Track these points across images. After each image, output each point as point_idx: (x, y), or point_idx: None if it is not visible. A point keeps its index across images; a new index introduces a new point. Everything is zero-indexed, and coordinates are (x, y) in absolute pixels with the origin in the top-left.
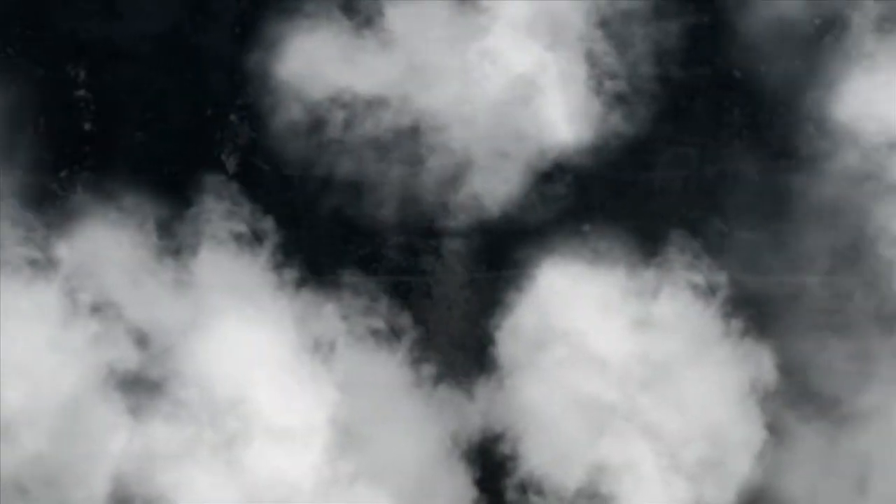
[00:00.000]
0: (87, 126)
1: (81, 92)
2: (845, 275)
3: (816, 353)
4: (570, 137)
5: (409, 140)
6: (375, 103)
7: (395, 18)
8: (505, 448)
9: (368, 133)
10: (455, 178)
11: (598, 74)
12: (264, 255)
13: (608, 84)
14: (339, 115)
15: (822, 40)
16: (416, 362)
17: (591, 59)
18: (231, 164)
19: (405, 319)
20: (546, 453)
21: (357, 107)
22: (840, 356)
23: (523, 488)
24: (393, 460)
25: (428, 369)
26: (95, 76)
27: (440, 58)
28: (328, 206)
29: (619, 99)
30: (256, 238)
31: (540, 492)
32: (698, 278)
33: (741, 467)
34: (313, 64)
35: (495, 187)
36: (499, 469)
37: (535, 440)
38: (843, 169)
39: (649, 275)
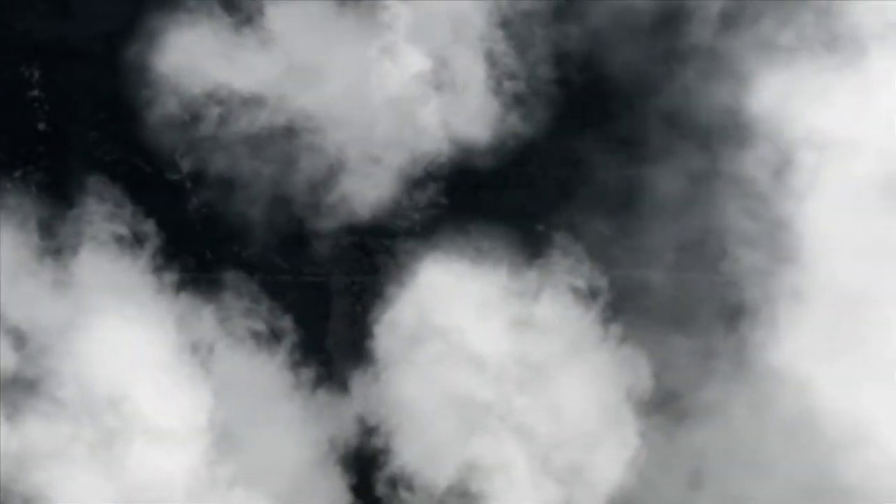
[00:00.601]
0: (41, 126)
1: (35, 92)
2: (691, 270)
3: (658, 347)
4: (468, 136)
5: (284, 139)
6: (252, 101)
7: (276, 18)
8: (378, 442)
9: (243, 130)
10: (327, 179)
11: (497, 75)
12: (145, 257)
13: (507, 85)
14: (214, 112)
15: (669, 33)
16: (295, 365)
17: (491, 59)
18: (109, 161)
19: (286, 322)
20: (418, 449)
21: (233, 104)
22: (681, 351)
23: (393, 483)
24: (270, 464)
25: (307, 373)
26: (49, 76)
27: (319, 58)
28: (200, 203)
29: (518, 100)
30: (137, 240)
31: (410, 487)
32: (580, 282)
33: (612, 473)
34: (192, 58)
35: (366, 191)
36: (372, 468)
37: (408, 435)
38: (691, 164)
39: (531, 276)
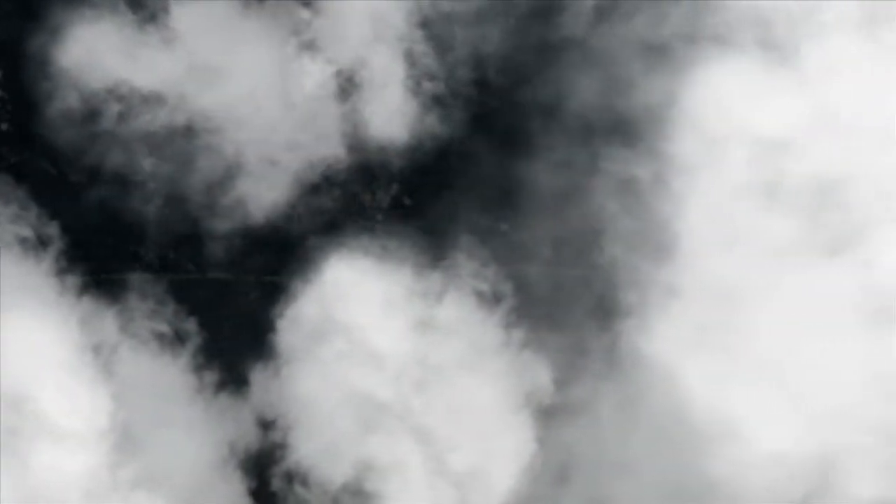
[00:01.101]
0: (3, 126)
1: None
2: (567, 267)
3: (530, 342)
4: (386, 136)
5: (182, 139)
6: (152, 99)
7: (180, 17)
8: (275, 437)
9: (142, 128)
10: (224, 180)
11: (416, 75)
12: (49, 259)
13: (426, 85)
14: (114, 108)
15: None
16: (198, 368)
17: (411, 59)
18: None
19: (190, 324)
20: (315, 445)
21: (133, 101)
22: (553, 348)
23: (289, 478)
24: (171, 467)
25: (210, 376)
26: (12, 77)
27: (222, 59)
28: (97, 200)
29: (437, 100)
30: (41, 242)
31: (306, 483)
32: (484, 286)
33: (508, 478)
34: (94, 54)
35: (262, 193)
36: (271, 468)
37: (306, 431)
38: (572, 159)
39: (436, 277)
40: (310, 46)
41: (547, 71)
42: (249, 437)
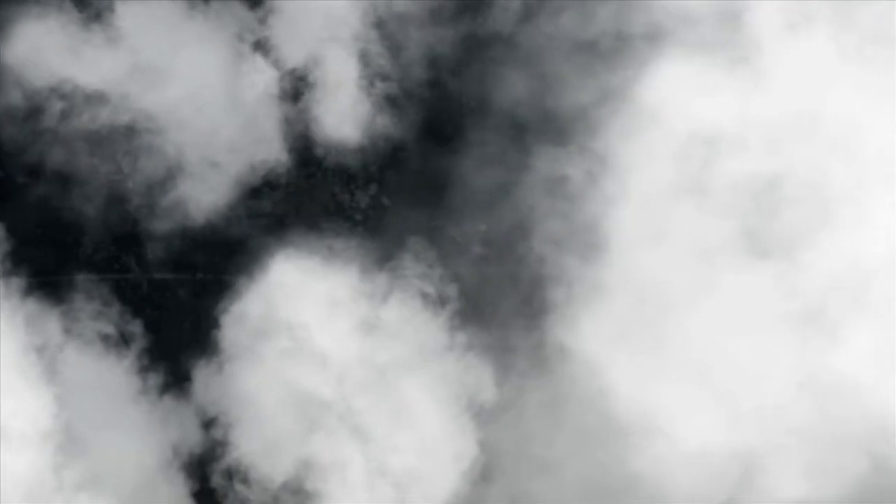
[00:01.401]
0: None
1: None
2: (495, 265)
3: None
4: (338, 135)
5: (124, 138)
6: (95, 98)
7: (126, 16)
8: (217, 433)
9: (84, 126)
10: (164, 181)
11: (370, 75)
12: None
13: (380, 86)
14: (57, 106)
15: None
16: (143, 370)
17: (365, 59)
18: None
19: (136, 325)
20: (257, 443)
21: (76, 99)
22: (478, 347)
23: (229, 475)
24: (115, 469)
25: (155, 377)
26: None
27: (166, 60)
28: (37, 199)
29: (390, 101)
30: None
31: (246, 481)
32: (430, 288)
33: (448, 481)
34: (38, 51)
35: (202, 195)
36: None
37: (247, 428)
38: (503, 157)
39: (382, 278)
40: (259, 47)
41: (475, 67)
42: (193, 438)
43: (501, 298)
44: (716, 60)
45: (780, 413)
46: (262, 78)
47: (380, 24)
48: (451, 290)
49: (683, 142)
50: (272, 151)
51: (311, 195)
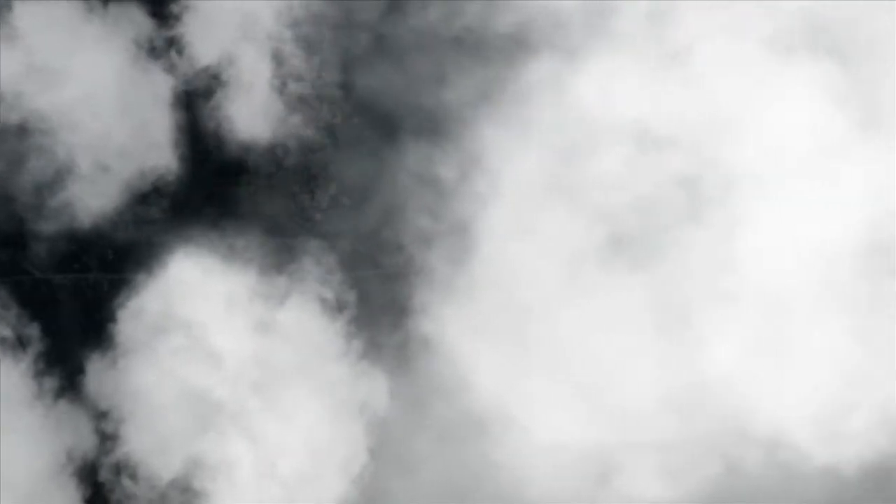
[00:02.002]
0: None
1: None
2: (363, 266)
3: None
4: (248, 135)
5: (15, 138)
6: None
7: (23, 15)
8: (107, 427)
9: None
10: (53, 182)
11: (283, 75)
12: None
13: (292, 86)
14: None
15: None
16: (39, 374)
17: (278, 59)
18: None
19: (33, 329)
20: (147, 439)
21: None
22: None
23: (118, 470)
24: (7, 474)
25: (50, 382)
26: None
27: (62, 60)
28: None
29: (302, 101)
30: None
31: (134, 476)
32: (328, 293)
33: (338, 486)
34: None
35: (91, 199)
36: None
37: (138, 424)
38: (376, 154)
39: (281, 281)
40: (171, 44)
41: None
42: (87, 443)
43: (368, 295)
44: (588, 59)
45: (639, 412)
46: (158, 83)
47: (295, 25)
48: (350, 296)
49: (557, 142)
50: (163, 157)
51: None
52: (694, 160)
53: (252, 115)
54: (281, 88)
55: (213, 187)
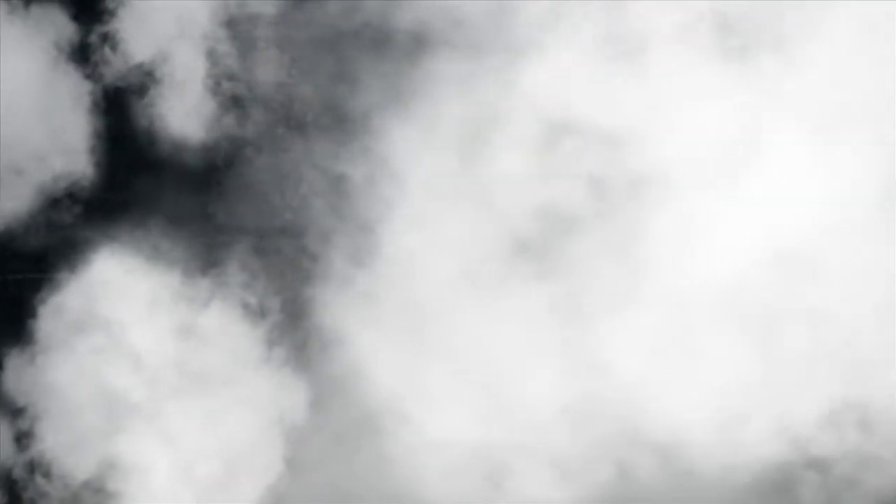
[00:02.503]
0: None
1: None
2: (264, 259)
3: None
4: (180, 134)
5: None
6: None
7: None
8: (23, 424)
9: None
10: None
11: (217, 74)
12: None
13: (226, 85)
14: None
15: None
16: None
17: (212, 58)
18: None
19: None
20: (62, 438)
21: None
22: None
23: (32, 468)
24: None
25: None
26: None
27: None
28: None
29: (235, 101)
30: None
31: (48, 475)
32: (252, 298)
33: (252, 494)
34: None
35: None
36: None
37: (54, 422)
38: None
39: (205, 284)
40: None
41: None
42: (2, 441)
43: (269, 294)
44: (493, 60)
45: (535, 414)
46: (78, 86)
47: (230, 23)
48: (274, 303)
49: (463, 142)
50: (79, 162)
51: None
52: (603, 161)
53: (185, 113)
54: (214, 88)
55: (141, 186)
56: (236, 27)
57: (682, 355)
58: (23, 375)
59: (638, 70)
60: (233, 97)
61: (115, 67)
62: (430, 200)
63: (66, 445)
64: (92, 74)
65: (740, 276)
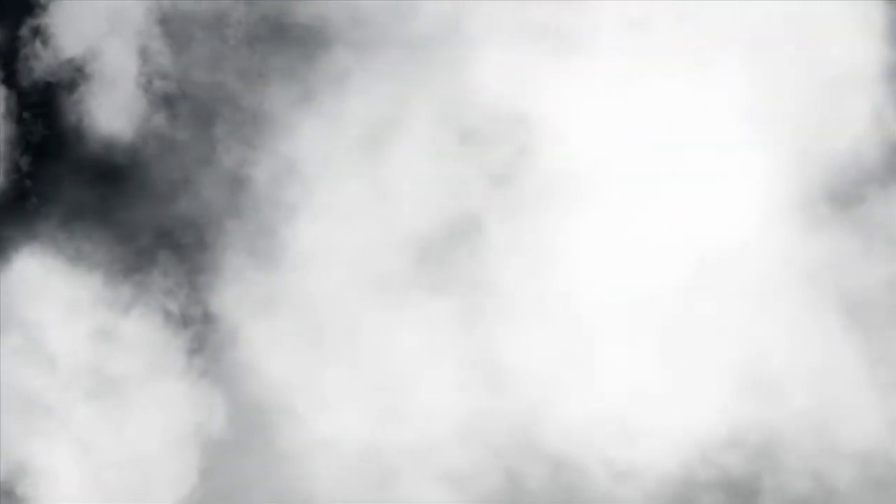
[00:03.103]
0: None
1: None
2: (168, 263)
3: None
4: (109, 131)
5: None
6: None
7: None
8: None
9: None
10: None
11: (149, 72)
12: None
13: (158, 84)
14: None
15: None
16: None
17: (145, 55)
18: None
19: None
20: None
21: None
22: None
23: None
24: None
25: None
26: None
27: None
28: None
29: (167, 100)
30: None
31: None
32: (174, 306)
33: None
34: None
35: None
36: None
37: None
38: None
39: (126, 289)
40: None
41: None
42: None
43: (192, 303)
44: (406, 61)
45: (428, 419)
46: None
47: (164, 21)
48: (196, 312)
49: (371, 153)
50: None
51: None
52: (509, 164)
53: (115, 111)
54: (146, 86)
55: (66, 185)
56: (170, 25)
57: (580, 366)
58: None
59: (547, 71)
60: (164, 96)
61: (44, 62)
62: (335, 206)
63: None
64: (13, 74)
65: (645, 288)
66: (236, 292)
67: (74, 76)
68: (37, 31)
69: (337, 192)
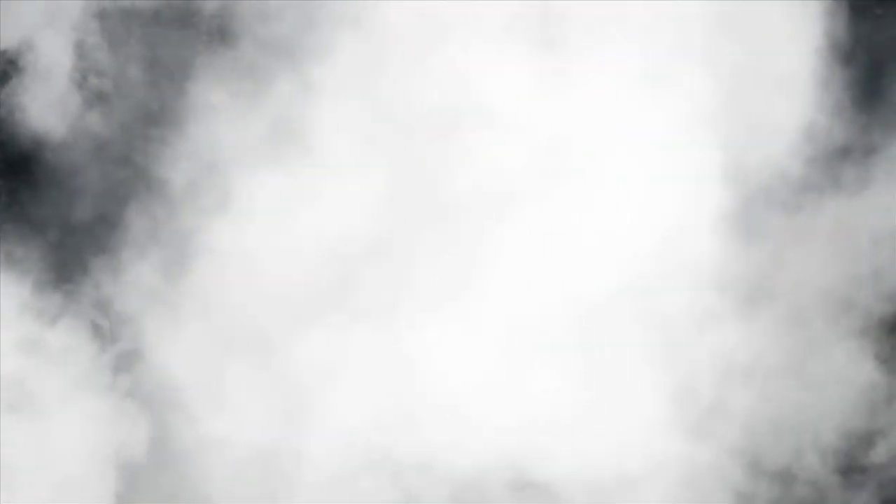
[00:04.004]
0: None
1: None
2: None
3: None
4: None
5: None
6: None
7: None
8: None
9: None
10: None
11: (84, 68)
12: None
13: (93, 80)
14: None
15: None
16: None
17: (80, 51)
18: None
19: None
20: None
21: None
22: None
23: None
24: None
25: None
26: None
27: None
28: None
29: (101, 97)
30: None
31: None
32: (104, 321)
33: None
34: None
35: None
36: None
37: None
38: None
39: (56, 299)
40: None
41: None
42: None
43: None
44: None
45: (330, 425)
46: None
47: (102, 17)
48: (126, 329)
49: (292, 155)
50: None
51: None
52: (436, 173)
53: (48, 106)
54: (80, 82)
55: None
56: (108, 21)
57: (495, 379)
58: None
59: (457, 72)
60: (98, 93)
61: None
62: (253, 213)
63: None
64: None
65: (573, 301)
66: (143, 295)
67: (6, 68)
68: None
69: (255, 194)
